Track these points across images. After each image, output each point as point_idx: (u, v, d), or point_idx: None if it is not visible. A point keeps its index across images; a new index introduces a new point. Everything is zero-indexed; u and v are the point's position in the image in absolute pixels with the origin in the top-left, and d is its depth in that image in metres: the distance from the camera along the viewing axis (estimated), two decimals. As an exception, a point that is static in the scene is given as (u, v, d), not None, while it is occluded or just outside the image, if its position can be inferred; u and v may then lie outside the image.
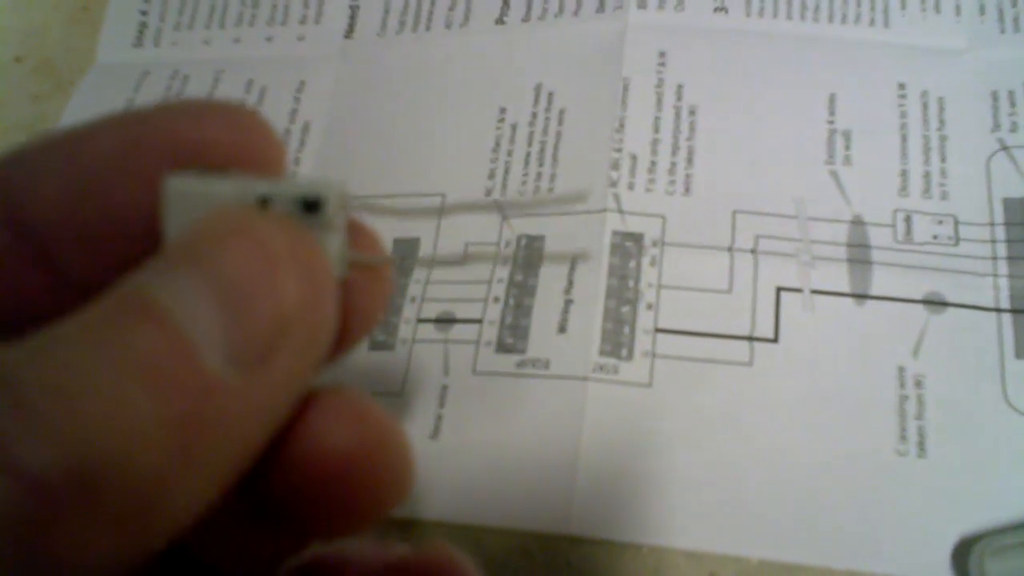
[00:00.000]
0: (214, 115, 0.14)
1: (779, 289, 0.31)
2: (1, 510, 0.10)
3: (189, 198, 0.13)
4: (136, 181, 0.13)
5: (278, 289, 0.12)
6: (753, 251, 0.32)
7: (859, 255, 0.31)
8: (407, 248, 0.33)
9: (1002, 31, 0.35)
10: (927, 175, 0.33)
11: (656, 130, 0.34)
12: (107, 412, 0.10)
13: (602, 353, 0.30)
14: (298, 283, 0.12)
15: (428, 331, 0.32)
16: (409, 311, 0.32)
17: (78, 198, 0.13)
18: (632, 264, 0.32)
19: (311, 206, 0.13)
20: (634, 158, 0.34)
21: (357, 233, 0.14)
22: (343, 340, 0.14)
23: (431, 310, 0.32)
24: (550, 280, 0.32)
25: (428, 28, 0.38)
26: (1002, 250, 0.31)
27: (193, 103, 0.14)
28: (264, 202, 0.13)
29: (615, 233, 0.32)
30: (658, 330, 0.31)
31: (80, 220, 0.13)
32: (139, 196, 0.13)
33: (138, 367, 0.11)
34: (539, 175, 0.34)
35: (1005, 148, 0.33)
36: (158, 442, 0.11)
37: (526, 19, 0.37)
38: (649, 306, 0.31)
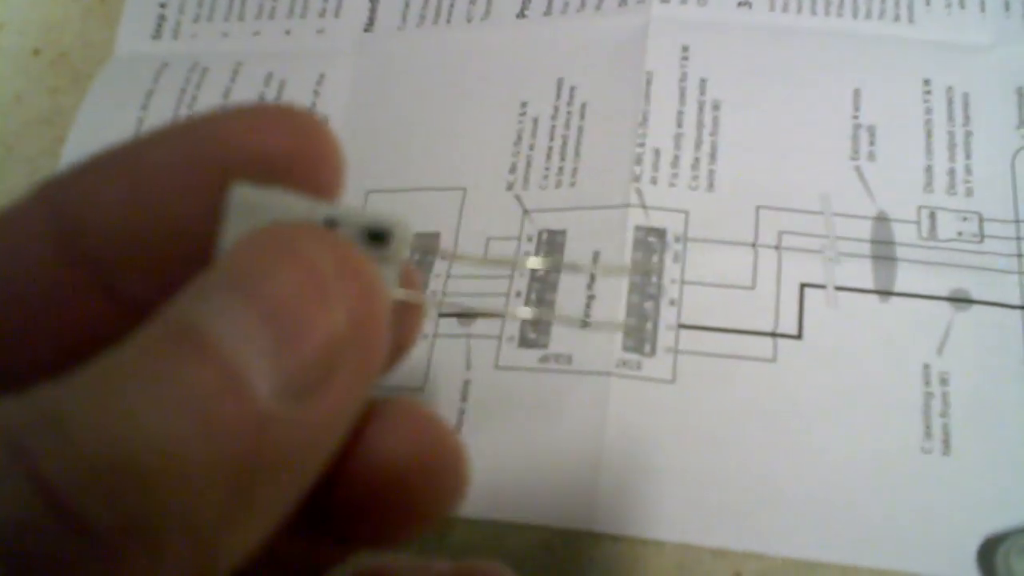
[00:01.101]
0: (274, 121, 0.13)
1: (803, 285, 0.31)
2: (54, 555, 0.10)
3: (253, 210, 0.12)
4: (196, 194, 0.13)
5: (330, 313, 0.11)
6: (777, 247, 0.32)
7: (883, 251, 0.31)
8: (427, 242, 0.33)
9: (1027, 27, 0.34)
10: (952, 171, 0.32)
11: (679, 125, 0.34)
12: (161, 461, 0.10)
13: (625, 348, 0.30)
14: (351, 305, 0.12)
15: (450, 325, 0.32)
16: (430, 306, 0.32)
17: (136, 215, 0.13)
18: (655, 259, 0.32)
19: (376, 237, 0.13)
20: (657, 153, 0.33)
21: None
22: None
23: (453, 304, 0.32)
24: (572, 275, 0.32)
25: (448, 21, 0.38)
26: (1028, 247, 0.31)
27: (251, 108, 0.13)
28: (331, 224, 0.13)
29: (638, 228, 0.32)
30: (681, 326, 0.31)
31: (139, 239, 0.13)
32: (199, 210, 0.13)
33: (190, 407, 0.10)
34: (560, 169, 0.34)
35: (1031, 145, 0.32)
36: (215, 486, 0.10)
37: (547, 13, 0.37)
38: (672, 302, 0.31)
